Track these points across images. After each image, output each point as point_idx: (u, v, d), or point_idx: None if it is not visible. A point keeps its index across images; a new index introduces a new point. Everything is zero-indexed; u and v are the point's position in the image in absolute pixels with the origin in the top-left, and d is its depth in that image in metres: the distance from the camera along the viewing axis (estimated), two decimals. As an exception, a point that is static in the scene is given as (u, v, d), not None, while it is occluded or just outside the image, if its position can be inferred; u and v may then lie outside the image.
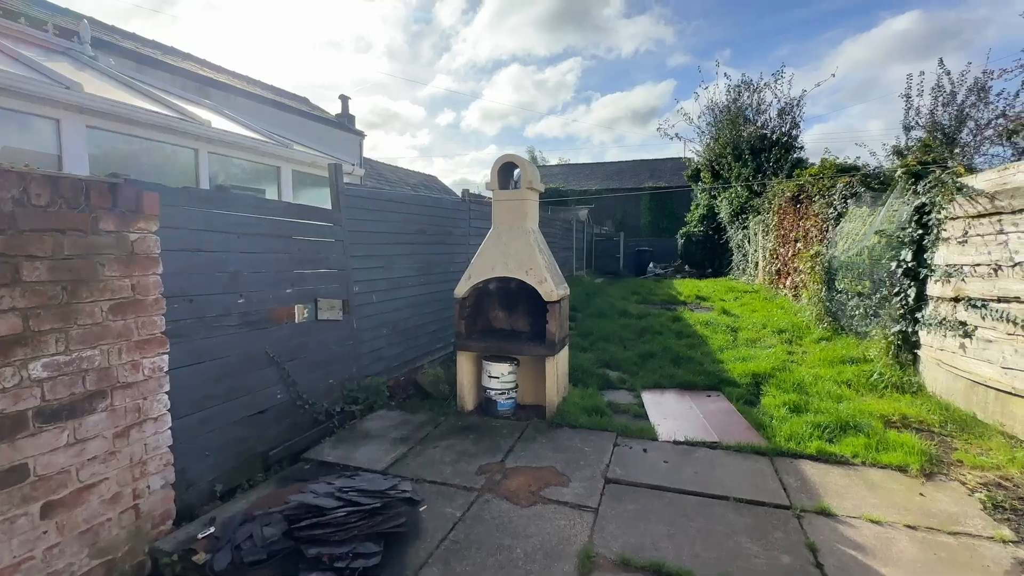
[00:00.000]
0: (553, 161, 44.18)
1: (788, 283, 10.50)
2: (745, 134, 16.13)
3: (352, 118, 20.48)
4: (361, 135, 20.49)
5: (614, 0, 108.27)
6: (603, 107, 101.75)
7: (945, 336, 4.74)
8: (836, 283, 7.12)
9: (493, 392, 4.43)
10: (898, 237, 5.50)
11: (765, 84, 15.51)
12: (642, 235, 26.63)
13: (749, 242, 14.84)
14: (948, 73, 13.98)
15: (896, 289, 5.55)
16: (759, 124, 15.90)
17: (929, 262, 5.13)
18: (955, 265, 4.65)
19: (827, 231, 8.05)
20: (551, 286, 4.19)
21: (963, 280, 4.49)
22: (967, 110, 14.18)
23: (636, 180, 31.54)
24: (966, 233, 4.50)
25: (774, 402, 4.66)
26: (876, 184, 7.01)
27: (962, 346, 4.49)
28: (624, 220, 28.70)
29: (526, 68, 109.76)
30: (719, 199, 17.23)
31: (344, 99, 20.29)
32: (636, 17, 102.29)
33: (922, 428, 4.20)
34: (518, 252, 4.33)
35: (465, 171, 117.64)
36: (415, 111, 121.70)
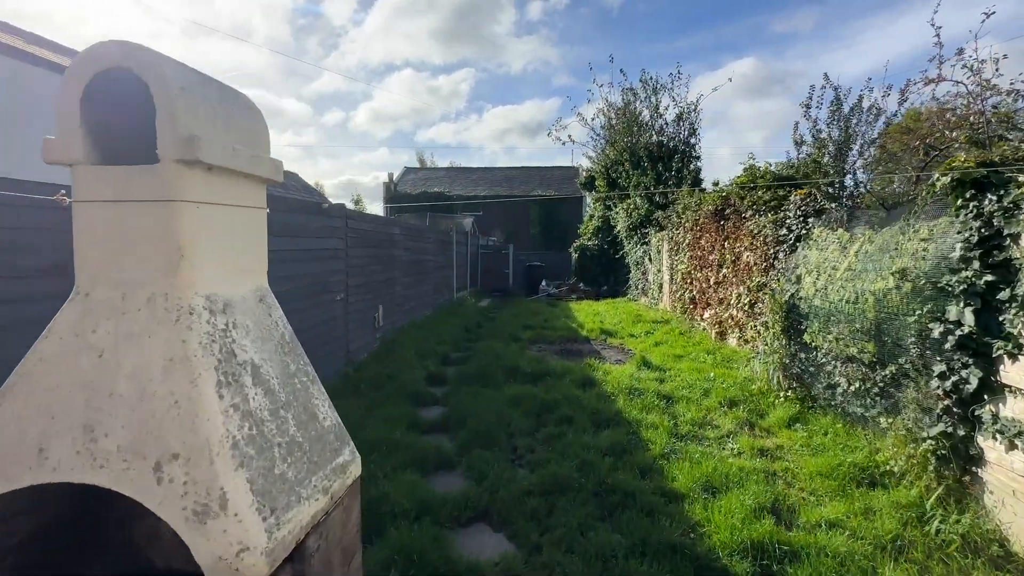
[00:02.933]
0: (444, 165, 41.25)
1: (709, 316, 8.62)
2: (642, 140, 14.61)
3: (161, 89, 15.41)
4: (174, 112, 15.52)
5: (505, 19, 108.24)
6: (495, 118, 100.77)
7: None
8: (804, 335, 5.05)
9: None
10: (945, 284, 3.40)
11: (662, 85, 14.07)
12: (533, 247, 24.67)
13: (651, 260, 13.18)
14: (836, 88, 13.60)
15: (942, 368, 3.44)
16: (656, 129, 14.46)
17: (1012, 330, 3.05)
18: (1107, 350, 2.53)
19: (776, 257, 6.08)
20: (257, 532, 1.14)
21: None
22: (854, 127, 13.89)
23: (526, 187, 29.78)
24: None
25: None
26: (845, 197, 5.10)
27: None
28: (514, 230, 26.59)
29: (420, 74, 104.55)
30: (616, 210, 15.54)
31: (148, 62, 15.17)
32: (525, 37, 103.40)
33: None
34: (135, 404, 1.22)
35: (353, 172, 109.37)
36: (300, 108, 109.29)
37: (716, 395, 5.48)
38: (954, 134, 8.15)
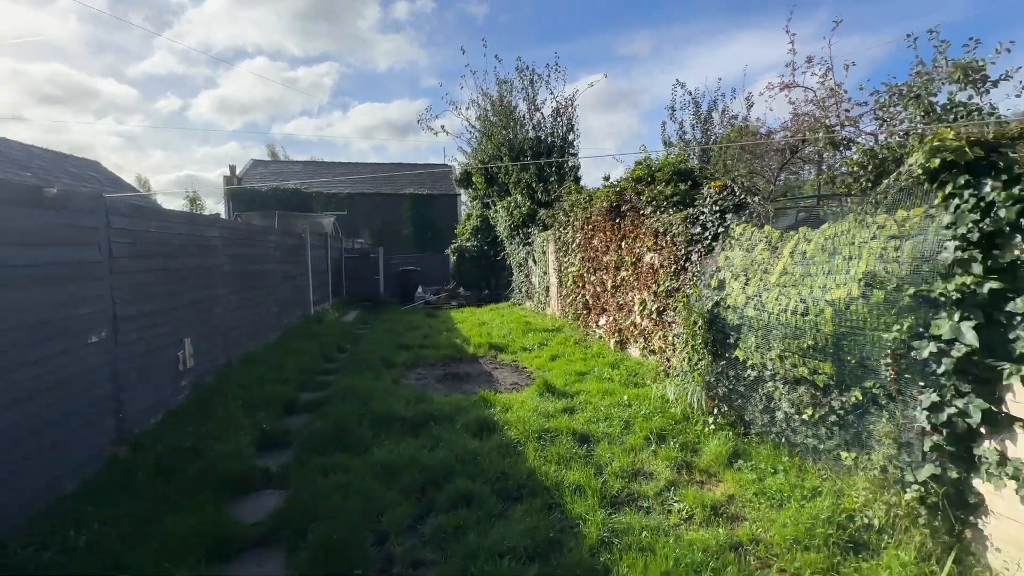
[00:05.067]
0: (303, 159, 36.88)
1: (606, 323, 7.88)
2: (520, 135, 13.77)
3: None
4: None
5: (369, 15, 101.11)
6: (361, 115, 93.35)
7: None
8: (736, 350, 4.31)
9: None
10: (938, 294, 2.71)
11: (539, 75, 13.35)
12: (405, 249, 22.74)
13: (535, 262, 12.36)
14: (683, 85, 14.09)
15: (933, 398, 2.76)
16: (534, 123, 13.72)
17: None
18: None
19: (688, 259, 5.37)
20: None
21: None
22: (712, 128, 14.58)
23: (395, 185, 27.62)
24: None
25: None
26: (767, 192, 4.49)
27: None
28: (384, 232, 24.35)
29: (276, 63, 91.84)
30: (496, 208, 14.51)
31: None
32: (391, 35, 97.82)
33: None
34: None
35: (195, 167, 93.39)
36: (123, 91, 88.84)
37: (639, 428, 4.53)
38: (820, 135, 8.44)
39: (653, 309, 6.12)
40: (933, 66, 6.77)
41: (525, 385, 6.22)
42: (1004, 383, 2.52)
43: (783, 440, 3.94)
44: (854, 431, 3.34)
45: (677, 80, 20.49)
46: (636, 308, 6.64)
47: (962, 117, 5.80)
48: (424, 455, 3.98)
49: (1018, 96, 6.28)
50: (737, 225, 4.66)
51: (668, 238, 5.73)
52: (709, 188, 5.04)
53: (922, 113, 6.48)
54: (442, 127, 14.60)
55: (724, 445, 4.09)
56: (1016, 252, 2.46)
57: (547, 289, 11.49)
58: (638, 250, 6.62)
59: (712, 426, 4.45)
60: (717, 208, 4.88)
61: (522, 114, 13.83)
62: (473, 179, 15.29)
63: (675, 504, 3.44)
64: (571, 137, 13.60)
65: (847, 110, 8.79)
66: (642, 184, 6.67)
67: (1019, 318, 2.45)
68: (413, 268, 16.81)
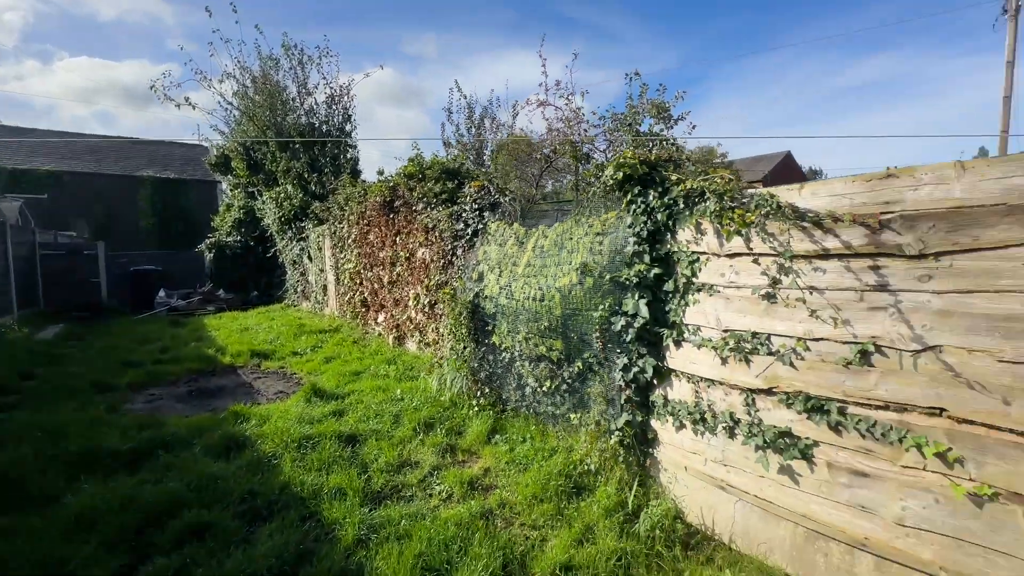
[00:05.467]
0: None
1: (384, 320, 7.78)
2: (289, 120, 12.53)
3: None
4: None
5: None
6: (74, 72, 71.03)
7: (747, 451, 2.87)
8: (493, 336, 4.73)
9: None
10: (625, 279, 3.42)
11: (310, 57, 12.32)
12: (145, 245, 18.53)
13: (311, 258, 11.44)
14: (460, 89, 14.84)
15: (624, 361, 3.49)
16: (306, 109, 12.65)
17: (676, 319, 3.24)
18: (753, 335, 2.80)
19: (454, 254, 5.66)
20: None
21: (792, 362, 2.65)
22: (484, 133, 15.73)
23: (128, 166, 22.23)
24: (776, 283, 2.68)
25: None
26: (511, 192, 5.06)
27: (793, 477, 2.67)
28: (111, 223, 19.38)
29: None
30: (263, 199, 12.90)
31: None
32: None
33: None
34: None
35: None
36: None
37: (408, 420, 4.60)
38: (566, 148, 9.87)
39: (426, 303, 6.29)
40: (639, 102, 8.54)
41: (292, 393, 5.70)
42: (664, 344, 3.34)
43: (531, 411, 4.49)
44: (579, 395, 4.01)
45: (456, 82, 21.38)
46: (411, 303, 6.73)
47: (655, 145, 7.51)
48: (145, 491, 3.28)
49: (690, 133, 8.45)
50: (493, 222, 5.11)
51: (437, 233, 5.95)
52: (470, 187, 5.40)
53: (632, 137, 8.15)
54: (186, 99, 12.20)
55: (484, 424, 4.45)
56: (668, 246, 3.28)
57: (325, 288, 10.77)
58: (411, 245, 6.71)
59: (476, 408, 4.80)
60: (477, 206, 5.27)
61: (292, 97, 12.59)
62: (233, 164, 13.28)
63: (437, 487, 3.60)
64: (348, 127, 12.98)
65: (586, 130, 10.44)
66: (414, 180, 6.77)
67: (671, 295, 3.28)
68: (153, 268, 13.77)
